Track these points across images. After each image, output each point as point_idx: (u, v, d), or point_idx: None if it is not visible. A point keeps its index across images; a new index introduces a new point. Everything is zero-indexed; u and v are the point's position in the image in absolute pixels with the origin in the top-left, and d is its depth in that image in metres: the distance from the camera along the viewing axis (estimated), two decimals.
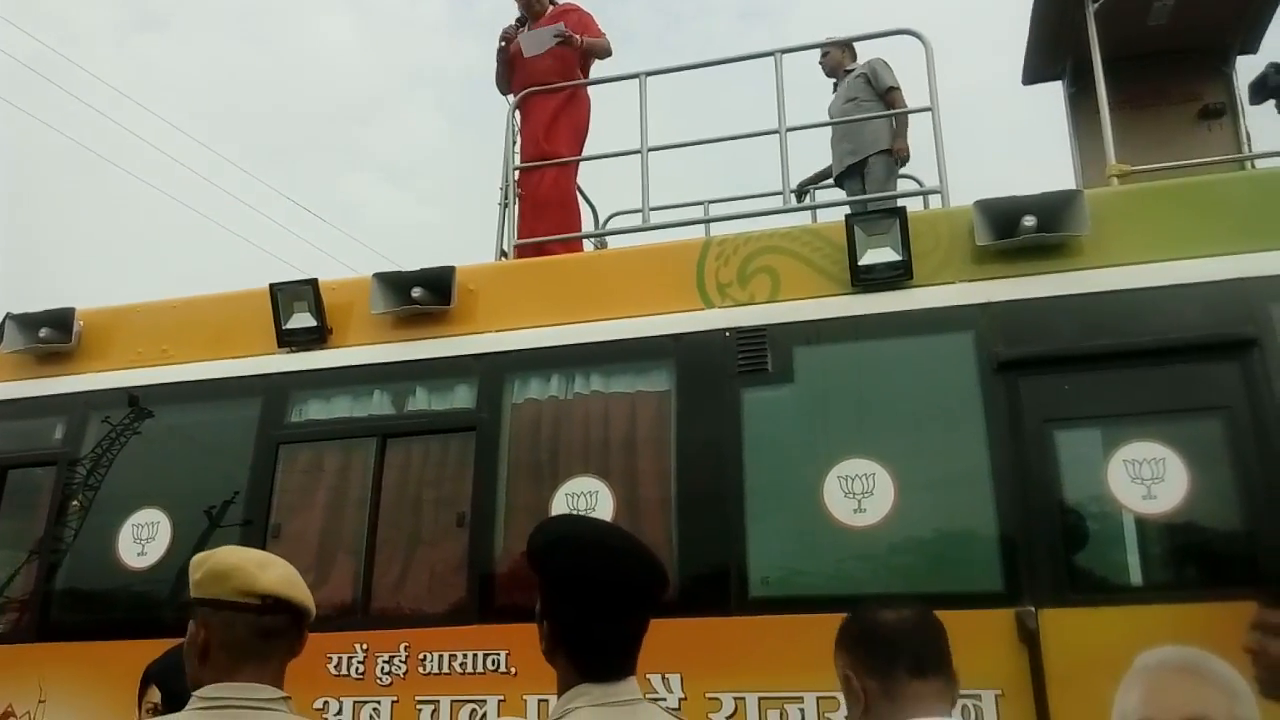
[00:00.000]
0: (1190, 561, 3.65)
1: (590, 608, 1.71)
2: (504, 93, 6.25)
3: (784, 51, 5.23)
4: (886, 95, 6.18)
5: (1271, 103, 5.32)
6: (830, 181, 6.64)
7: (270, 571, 1.88)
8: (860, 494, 3.82)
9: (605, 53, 6.25)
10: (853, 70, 6.47)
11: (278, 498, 4.58)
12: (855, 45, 6.55)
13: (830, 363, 4.19)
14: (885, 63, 6.28)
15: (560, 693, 1.73)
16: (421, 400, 4.63)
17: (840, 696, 1.99)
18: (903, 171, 6.25)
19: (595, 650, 1.72)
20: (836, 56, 6.60)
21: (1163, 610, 3.44)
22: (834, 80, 6.70)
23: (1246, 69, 5.52)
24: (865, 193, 6.03)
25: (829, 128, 6.38)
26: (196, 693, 1.82)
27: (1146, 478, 3.56)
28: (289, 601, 1.87)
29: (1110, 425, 3.76)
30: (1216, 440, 3.62)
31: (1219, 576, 3.55)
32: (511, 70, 6.19)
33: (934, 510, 3.83)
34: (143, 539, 4.63)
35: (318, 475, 4.62)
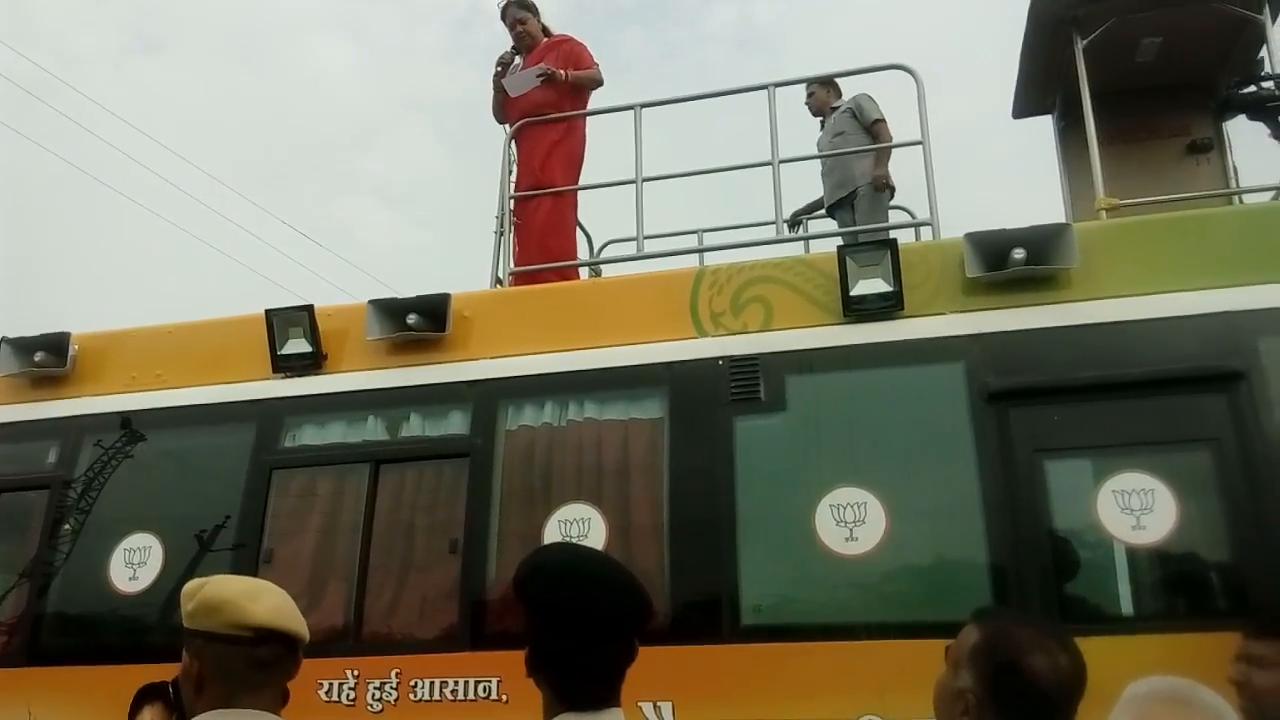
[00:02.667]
0: (1179, 592, 3.67)
1: (567, 635, 1.72)
2: (500, 122, 6.30)
3: (777, 85, 5.30)
4: (872, 128, 6.27)
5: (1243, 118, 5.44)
6: (822, 212, 6.72)
7: (261, 603, 1.87)
8: (852, 522, 3.84)
9: (594, 84, 6.29)
10: (839, 107, 6.56)
11: (270, 522, 4.58)
12: (839, 82, 6.67)
13: (822, 392, 4.21)
14: (870, 97, 6.37)
15: None
16: (415, 426, 4.64)
17: None
18: (894, 203, 6.33)
19: (574, 678, 1.74)
20: (821, 96, 6.72)
21: (1152, 640, 3.46)
22: (821, 119, 6.79)
23: None
24: (856, 224, 6.10)
25: (818, 160, 6.47)
26: (197, 718, 1.82)
27: (1136, 508, 3.59)
28: (282, 632, 1.87)
29: (1100, 456, 3.79)
30: (1205, 472, 3.65)
31: (1208, 607, 3.58)
32: (507, 99, 6.25)
33: (925, 539, 3.86)
34: (134, 563, 4.62)
35: (311, 500, 4.62)
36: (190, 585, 1.93)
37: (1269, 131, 5.27)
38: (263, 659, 1.85)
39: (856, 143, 6.26)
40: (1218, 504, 3.60)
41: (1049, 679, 1.62)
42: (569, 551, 2.22)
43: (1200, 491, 3.62)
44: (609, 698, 1.76)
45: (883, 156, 6.22)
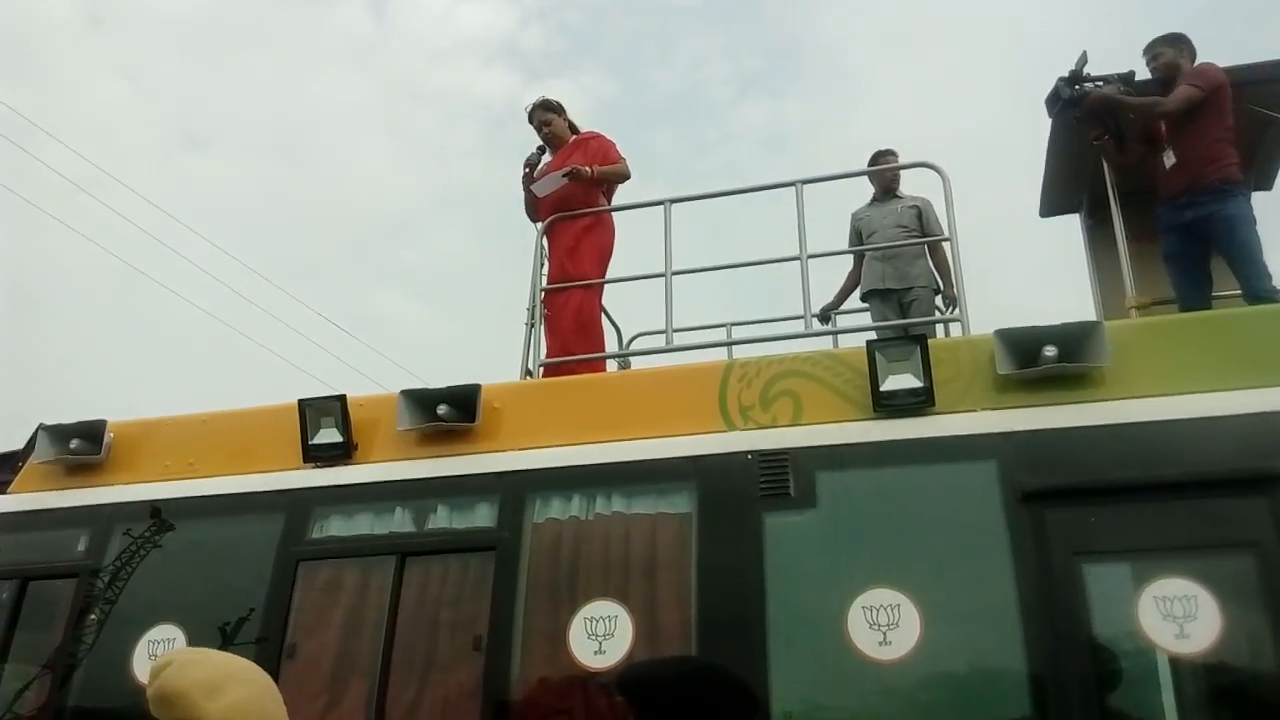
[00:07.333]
0: (1226, 703, 3.53)
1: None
2: (532, 220, 6.41)
3: (805, 182, 5.38)
4: (938, 241, 6.28)
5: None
6: (851, 302, 6.74)
7: (220, 699, 1.69)
8: (885, 625, 3.75)
9: (621, 178, 6.41)
10: (903, 197, 6.63)
11: (295, 616, 4.52)
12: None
13: (853, 488, 4.15)
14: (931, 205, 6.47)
15: None
16: (443, 518, 4.61)
17: None
18: None
19: None
20: (889, 175, 6.71)
21: None
22: (874, 191, 6.83)
23: (1261, 206, 5.60)
24: (898, 316, 6.14)
25: (854, 229, 6.65)
26: None
27: (1178, 615, 3.48)
28: None
29: (1139, 560, 3.69)
30: (1248, 578, 3.54)
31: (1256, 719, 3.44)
32: (536, 197, 6.38)
33: (961, 644, 3.75)
34: (157, 655, 4.57)
35: (336, 594, 4.56)
36: (158, 662, 1.76)
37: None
38: None
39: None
40: (1263, 612, 3.48)
41: None
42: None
43: (1244, 599, 3.51)
44: None
45: (945, 273, 6.25)
